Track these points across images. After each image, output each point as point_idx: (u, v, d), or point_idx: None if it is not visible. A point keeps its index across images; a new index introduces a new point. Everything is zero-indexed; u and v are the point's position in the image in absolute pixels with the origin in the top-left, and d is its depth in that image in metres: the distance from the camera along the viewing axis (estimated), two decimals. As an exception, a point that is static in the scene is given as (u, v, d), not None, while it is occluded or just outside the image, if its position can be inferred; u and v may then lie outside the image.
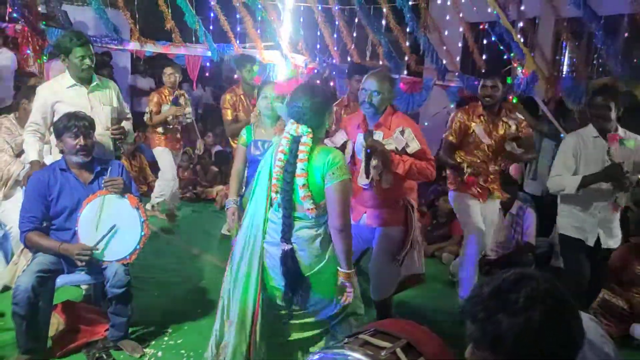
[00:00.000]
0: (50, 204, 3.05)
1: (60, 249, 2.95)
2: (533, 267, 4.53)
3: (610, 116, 3.37)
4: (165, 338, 3.37)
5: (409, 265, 3.35)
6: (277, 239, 2.52)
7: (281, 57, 7.35)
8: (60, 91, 3.42)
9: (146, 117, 5.64)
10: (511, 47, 6.14)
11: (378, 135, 3.13)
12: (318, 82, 6.88)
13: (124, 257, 3.05)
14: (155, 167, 6.13)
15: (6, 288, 3.61)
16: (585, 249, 3.51)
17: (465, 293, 3.80)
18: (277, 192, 2.50)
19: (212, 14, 7.37)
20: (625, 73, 5.14)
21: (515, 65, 6.40)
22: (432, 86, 6.90)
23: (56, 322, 3.20)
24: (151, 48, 7.18)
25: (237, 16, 7.53)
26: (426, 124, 7.89)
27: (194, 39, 7.30)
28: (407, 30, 7.21)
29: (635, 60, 6.11)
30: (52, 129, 3.32)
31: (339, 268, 2.52)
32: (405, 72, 7.36)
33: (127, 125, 3.69)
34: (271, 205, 2.58)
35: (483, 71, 4.34)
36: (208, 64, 7.72)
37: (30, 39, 5.89)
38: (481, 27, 7.07)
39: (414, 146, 3.11)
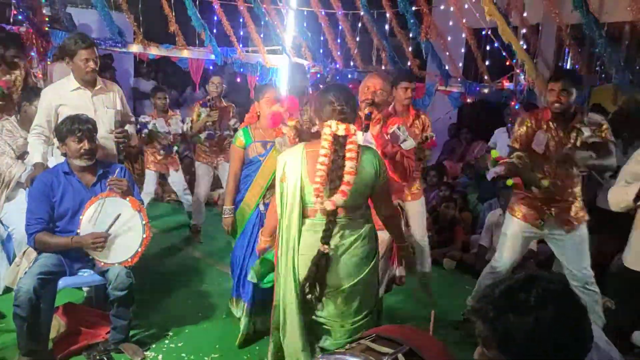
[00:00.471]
0: (54, 205, 3.06)
1: (73, 242, 2.96)
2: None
3: None
4: (166, 341, 3.37)
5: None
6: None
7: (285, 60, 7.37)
8: (64, 94, 3.43)
9: (186, 128, 5.39)
10: (514, 53, 6.14)
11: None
12: (321, 86, 6.89)
13: (125, 260, 3.05)
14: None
15: (8, 290, 3.61)
16: None
17: None
18: (317, 197, 2.38)
19: (215, 17, 7.40)
20: (626, 80, 5.14)
21: (518, 71, 6.40)
22: (434, 92, 6.91)
23: (57, 325, 3.20)
24: (154, 51, 7.22)
25: (240, 20, 7.57)
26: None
27: (197, 42, 7.33)
28: (410, 35, 7.23)
29: (638, 67, 6.11)
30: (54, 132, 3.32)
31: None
32: (408, 77, 7.36)
33: (130, 128, 3.70)
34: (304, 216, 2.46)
35: (551, 75, 3.72)
36: (211, 67, 7.75)
37: (34, 41, 5.90)
38: (485, 32, 7.07)
39: (410, 143, 3.08)
